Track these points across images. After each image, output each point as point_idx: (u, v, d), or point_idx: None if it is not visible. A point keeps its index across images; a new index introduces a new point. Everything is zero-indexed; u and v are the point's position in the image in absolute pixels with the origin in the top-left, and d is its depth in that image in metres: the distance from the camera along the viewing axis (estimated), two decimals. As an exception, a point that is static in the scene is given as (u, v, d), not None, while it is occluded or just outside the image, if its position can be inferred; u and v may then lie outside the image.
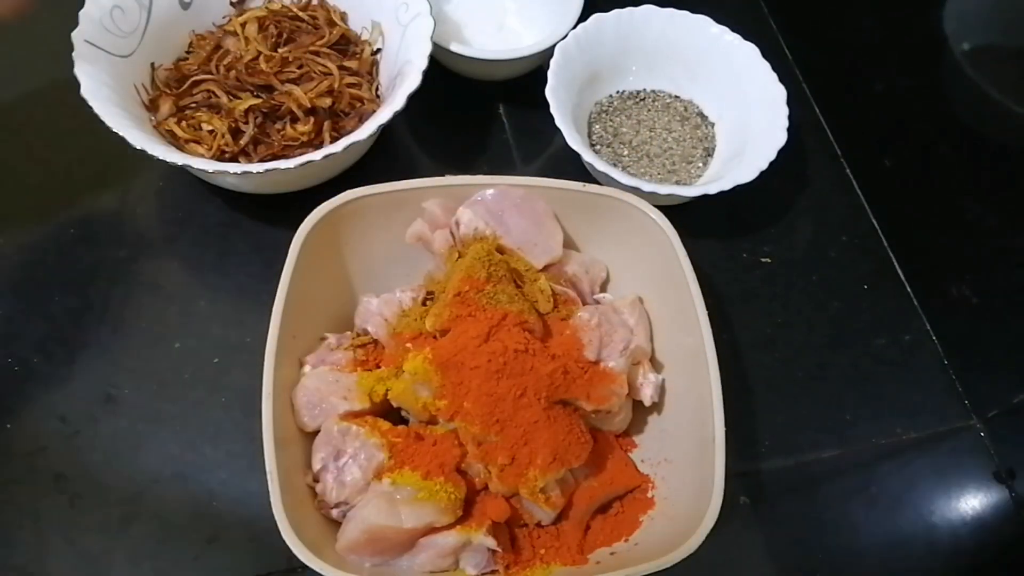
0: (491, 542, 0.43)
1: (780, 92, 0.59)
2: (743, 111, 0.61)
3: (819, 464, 0.54)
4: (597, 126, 0.64)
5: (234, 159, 0.56)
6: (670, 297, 0.49)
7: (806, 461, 0.54)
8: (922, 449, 0.56)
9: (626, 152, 0.62)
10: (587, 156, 0.55)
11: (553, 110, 0.56)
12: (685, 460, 0.46)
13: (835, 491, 0.54)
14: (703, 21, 0.62)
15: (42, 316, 0.54)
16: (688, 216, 0.55)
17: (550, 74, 0.58)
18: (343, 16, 0.62)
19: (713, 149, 0.63)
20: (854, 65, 0.60)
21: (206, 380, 0.53)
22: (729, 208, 0.62)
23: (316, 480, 0.44)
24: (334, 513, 0.44)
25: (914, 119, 0.61)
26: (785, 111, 0.58)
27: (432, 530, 0.42)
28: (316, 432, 0.45)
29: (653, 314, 0.50)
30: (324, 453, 0.44)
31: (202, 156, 0.54)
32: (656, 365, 0.50)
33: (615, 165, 0.60)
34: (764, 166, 0.56)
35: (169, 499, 0.49)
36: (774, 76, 0.60)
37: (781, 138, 0.57)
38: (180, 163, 0.49)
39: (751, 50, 0.61)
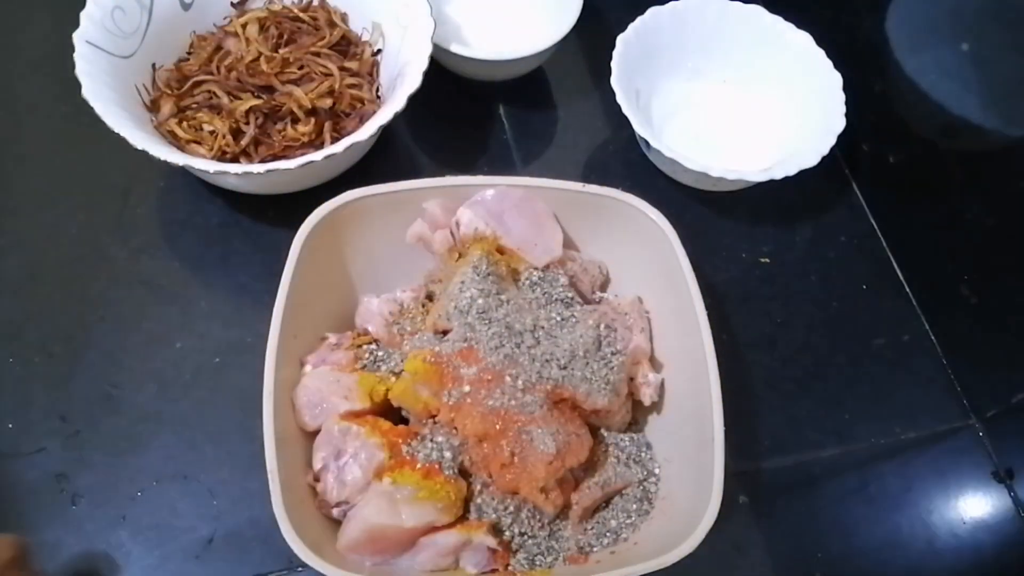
0: (491, 541, 0.43)
1: (836, 79, 0.61)
2: (798, 100, 0.63)
3: (819, 464, 0.55)
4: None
5: (235, 160, 0.56)
6: (670, 297, 0.49)
7: (806, 461, 0.55)
8: (921, 449, 0.56)
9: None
10: (655, 143, 0.56)
11: (620, 99, 0.57)
12: (685, 460, 0.47)
13: (834, 491, 0.54)
14: (756, 11, 0.63)
15: (43, 316, 0.54)
16: (688, 216, 0.55)
17: (614, 65, 0.59)
18: (343, 17, 0.62)
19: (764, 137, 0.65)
20: (853, 65, 0.60)
21: (207, 380, 0.53)
22: (729, 208, 0.63)
23: (317, 480, 0.44)
24: (335, 512, 0.44)
25: (913, 119, 0.61)
26: (842, 97, 0.60)
27: (432, 529, 0.43)
28: (317, 432, 0.45)
29: (653, 314, 0.50)
30: (325, 453, 0.44)
31: (203, 157, 0.54)
32: (656, 365, 0.50)
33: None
34: (825, 151, 0.57)
35: (169, 499, 0.49)
36: (829, 64, 0.61)
37: (839, 124, 0.58)
38: (181, 163, 0.49)
39: (805, 39, 0.62)
